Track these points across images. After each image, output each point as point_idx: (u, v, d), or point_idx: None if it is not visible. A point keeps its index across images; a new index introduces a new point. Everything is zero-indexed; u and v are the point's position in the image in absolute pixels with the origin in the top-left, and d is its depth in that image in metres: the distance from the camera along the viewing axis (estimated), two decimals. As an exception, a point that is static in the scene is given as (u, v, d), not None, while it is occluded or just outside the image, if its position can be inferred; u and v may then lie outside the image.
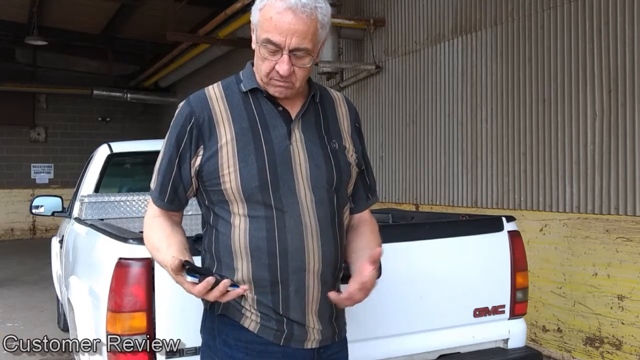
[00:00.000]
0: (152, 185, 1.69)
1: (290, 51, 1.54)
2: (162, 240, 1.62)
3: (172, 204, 1.67)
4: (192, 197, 1.71)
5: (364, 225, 1.79)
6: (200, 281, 1.45)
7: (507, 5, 5.00)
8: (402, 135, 6.44)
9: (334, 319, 1.68)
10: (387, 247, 2.42)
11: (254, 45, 1.64)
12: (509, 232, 2.72)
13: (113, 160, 4.34)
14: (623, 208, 4.02)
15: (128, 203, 3.92)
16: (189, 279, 1.46)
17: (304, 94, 1.70)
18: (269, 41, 1.54)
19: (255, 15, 1.60)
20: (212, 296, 1.47)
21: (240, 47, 8.86)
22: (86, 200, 3.93)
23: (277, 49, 1.54)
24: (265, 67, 1.58)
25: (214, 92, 1.66)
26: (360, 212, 1.81)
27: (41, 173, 14.14)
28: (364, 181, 1.82)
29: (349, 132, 1.76)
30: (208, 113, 1.61)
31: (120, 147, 4.49)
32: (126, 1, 10.07)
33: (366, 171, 1.82)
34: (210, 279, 1.45)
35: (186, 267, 1.47)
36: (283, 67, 1.55)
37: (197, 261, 1.77)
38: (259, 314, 1.59)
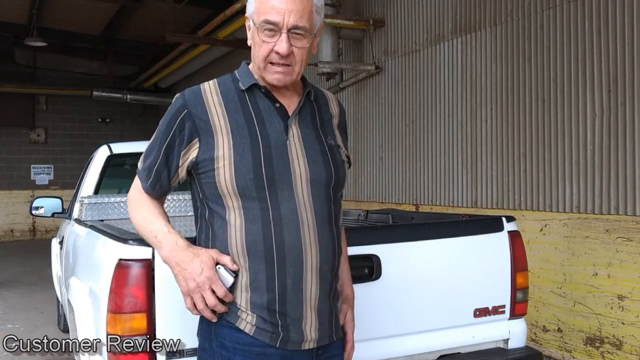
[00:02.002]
0: (140, 165, 1.73)
1: (289, 30, 1.57)
2: (154, 213, 1.69)
3: (154, 190, 1.70)
4: (175, 185, 1.72)
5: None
6: (235, 279, 1.57)
7: (507, 5, 5.01)
8: (402, 135, 6.44)
9: (333, 317, 1.68)
10: (387, 247, 2.45)
11: (249, 41, 1.66)
12: (509, 232, 2.72)
13: (113, 161, 4.34)
14: (623, 208, 4.02)
15: (128, 204, 3.91)
16: (225, 274, 1.56)
17: (299, 91, 1.72)
18: (267, 22, 1.57)
19: (250, 5, 1.63)
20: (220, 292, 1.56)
21: (240, 47, 8.87)
22: (86, 201, 3.92)
23: (275, 29, 1.58)
24: (264, 50, 1.60)
25: (209, 87, 1.68)
26: None
27: (41, 174, 14.13)
28: None
29: (339, 131, 1.80)
30: (202, 107, 1.63)
31: (120, 148, 4.49)
32: (126, 2, 10.07)
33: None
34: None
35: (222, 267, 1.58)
36: (282, 45, 1.57)
37: None
38: (254, 316, 1.58)
